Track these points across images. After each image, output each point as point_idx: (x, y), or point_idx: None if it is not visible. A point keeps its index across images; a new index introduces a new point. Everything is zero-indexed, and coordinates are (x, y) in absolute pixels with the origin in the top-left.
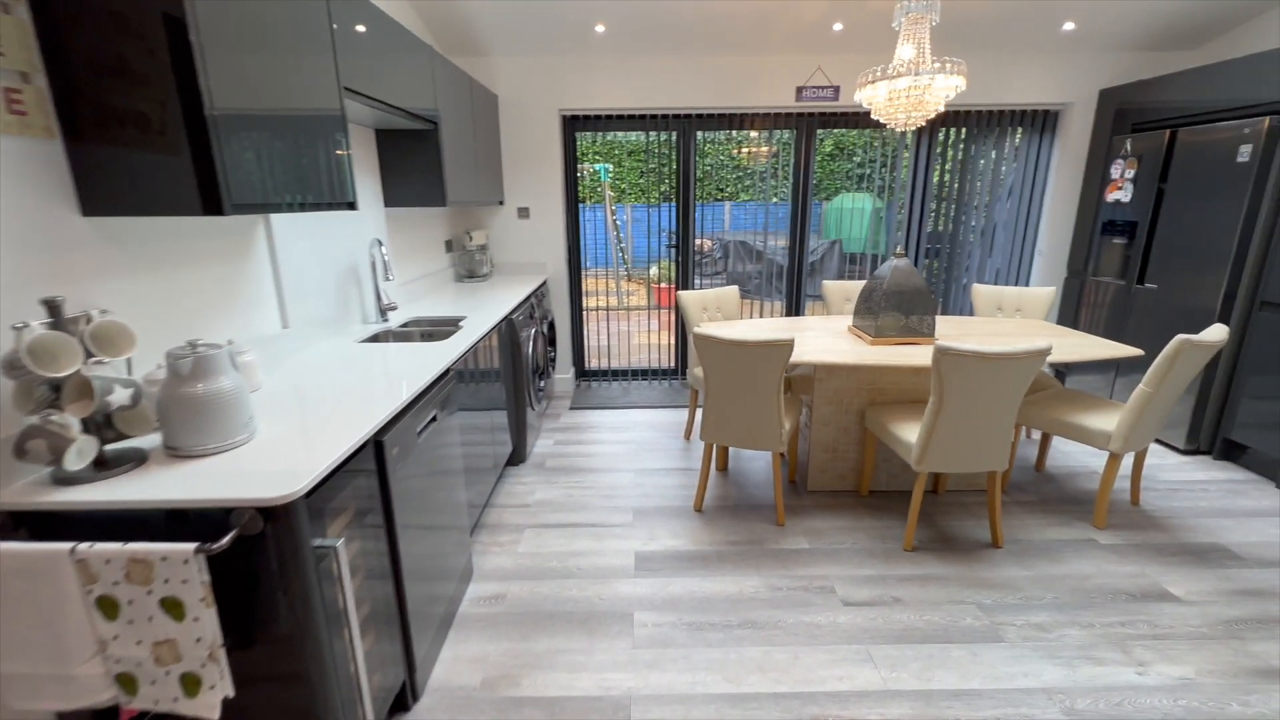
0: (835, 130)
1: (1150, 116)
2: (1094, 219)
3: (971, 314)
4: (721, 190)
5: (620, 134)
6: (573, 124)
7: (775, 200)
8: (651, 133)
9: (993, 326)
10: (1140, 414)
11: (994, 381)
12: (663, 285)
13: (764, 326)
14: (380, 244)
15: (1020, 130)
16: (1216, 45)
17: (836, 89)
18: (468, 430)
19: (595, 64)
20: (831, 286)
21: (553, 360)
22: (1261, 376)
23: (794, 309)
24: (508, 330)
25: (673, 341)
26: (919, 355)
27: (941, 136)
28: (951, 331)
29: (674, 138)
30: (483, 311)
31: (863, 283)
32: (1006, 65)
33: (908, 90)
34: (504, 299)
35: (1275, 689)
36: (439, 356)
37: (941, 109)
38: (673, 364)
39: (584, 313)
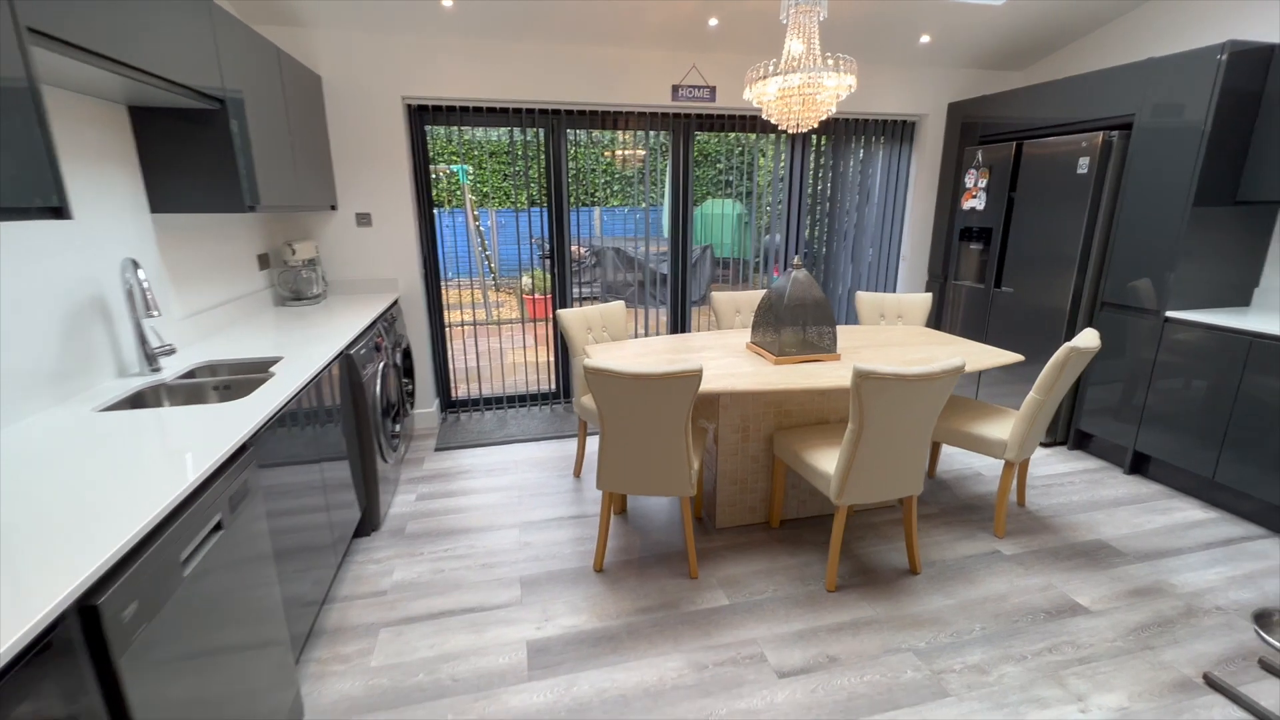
0: (700, 135)
1: (996, 129)
2: (951, 226)
3: (856, 322)
4: (591, 195)
5: (480, 131)
6: (421, 115)
7: (646, 205)
8: (516, 130)
9: (883, 335)
10: (1033, 421)
11: (914, 403)
12: (536, 296)
13: (658, 348)
14: (136, 266)
15: (881, 139)
16: (1039, 67)
17: (713, 89)
18: (293, 495)
19: (445, 46)
20: (721, 299)
21: (410, 394)
22: (1103, 369)
23: (679, 318)
24: (346, 368)
25: (552, 359)
26: (827, 374)
27: (811, 144)
28: (848, 343)
29: (541, 135)
30: (311, 346)
31: (752, 293)
32: (870, 75)
33: (800, 88)
34: (341, 327)
35: (1201, 703)
36: (229, 425)
37: (834, 110)
38: (553, 386)
39: (447, 331)
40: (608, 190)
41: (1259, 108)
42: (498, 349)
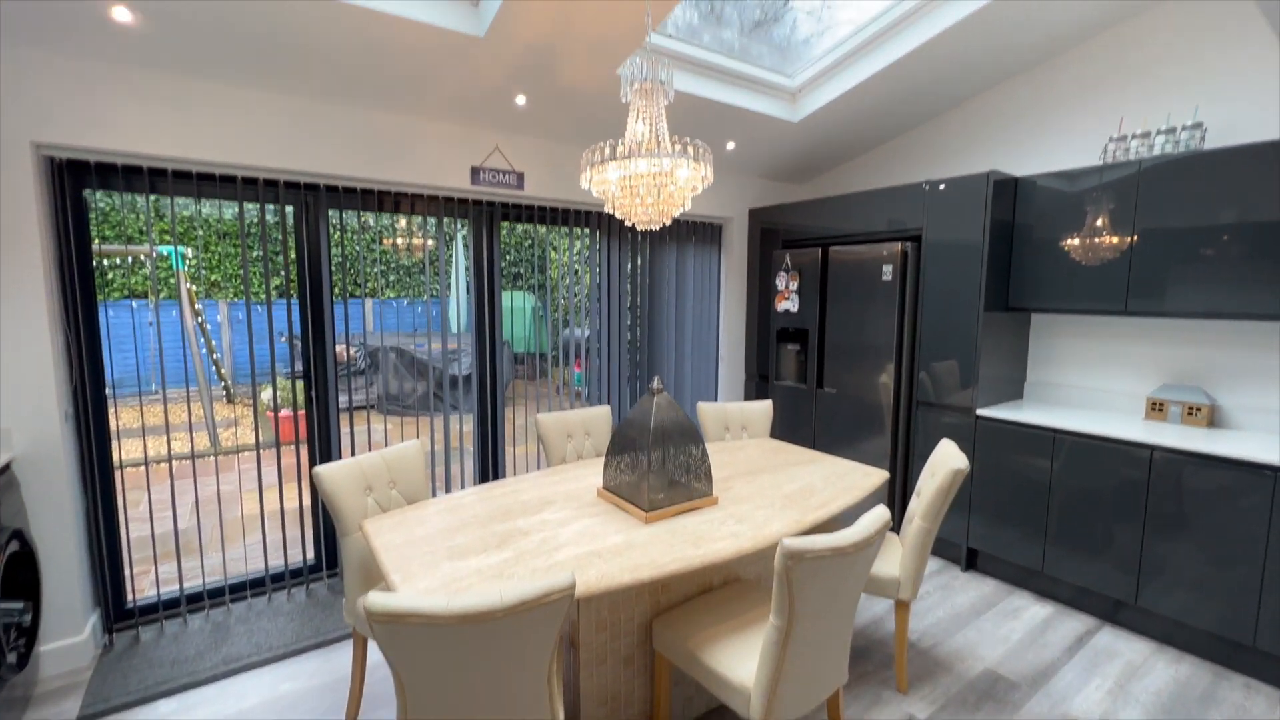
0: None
1: (798, 235)
2: (766, 327)
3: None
4: (358, 285)
5: (207, 205)
6: (77, 176)
7: (428, 297)
8: (256, 205)
9: (742, 457)
10: (922, 553)
11: (848, 576)
12: (284, 411)
13: (476, 514)
14: None
15: (692, 239)
16: (819, 182)
17: (520, 175)
18: None
19: (127, 81)
20: (549, 424)
21: (28, 617)
22: (921, 461)
23: (491, 430)
24: None
25: (308, 503)
26: (717, 534)
27: (628, 239)
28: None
29: (290, 214)
30: None
31: (584, 413)
32: None
33: (651, 176)
34: None
35: None
36: None
37: (688, 206)
38: (311, 552)
39: (118, 489)
40: (383, 280)
41: (1013, 229)
42: (228, 494)
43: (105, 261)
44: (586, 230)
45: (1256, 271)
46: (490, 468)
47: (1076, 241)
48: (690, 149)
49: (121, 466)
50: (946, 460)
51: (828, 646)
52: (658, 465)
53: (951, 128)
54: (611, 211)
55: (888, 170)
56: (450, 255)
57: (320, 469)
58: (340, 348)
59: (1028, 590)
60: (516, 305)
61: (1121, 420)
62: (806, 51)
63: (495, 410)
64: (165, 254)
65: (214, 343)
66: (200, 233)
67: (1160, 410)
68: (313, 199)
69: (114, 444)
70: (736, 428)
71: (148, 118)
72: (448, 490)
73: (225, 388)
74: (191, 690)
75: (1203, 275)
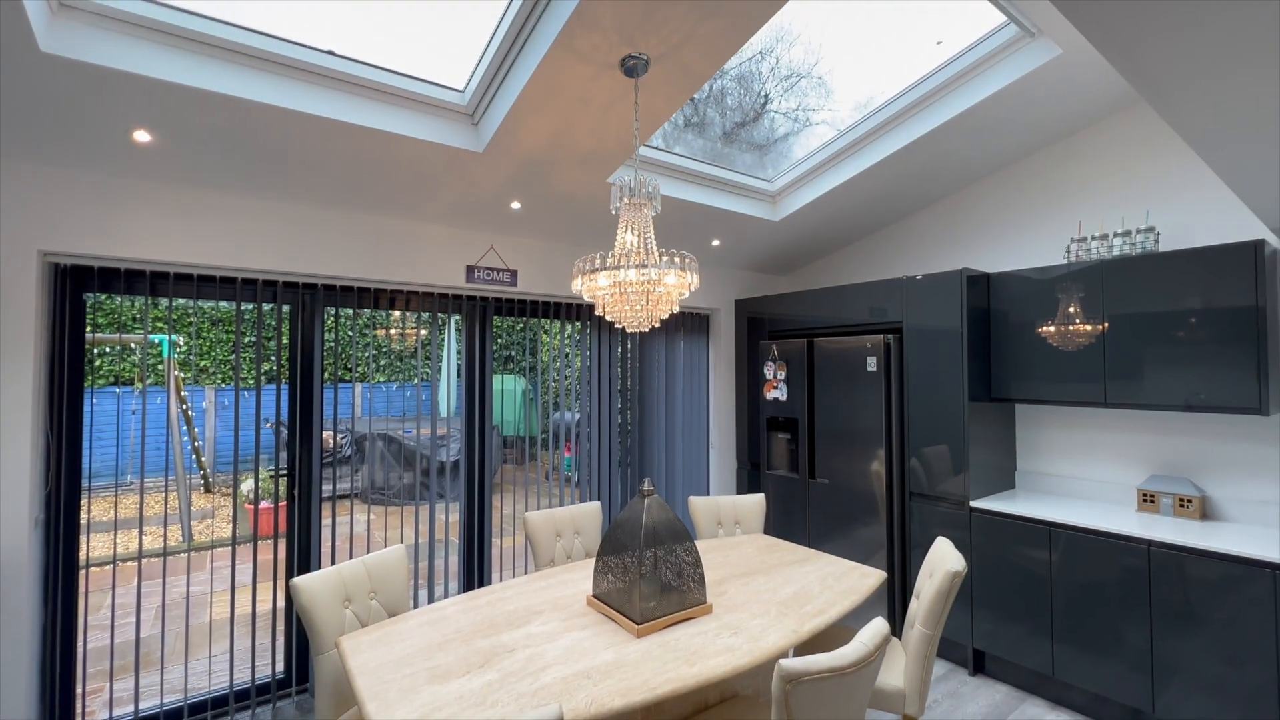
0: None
1: (784, 325)
2: (756, 415)
3: (692, 531)
4: (349, 370)
5: (196, 300)
6: (82, 281)
7: (419, 381)
8: (252, 303)
9: (735, 557)
10: (928, 662)
11: (850, 695)
12: (264, 503)
13: (459, 628)
14: None
15: (681, 330)
16: (801, 274)
17: (514, 273)
18: None
19: (136, 192)
20: (537, 522)
21: None
22: (918, 553)
23: (478, 520)
24: None
25: (282, 605)
26: (711, 649)
27: (618, 332)
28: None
29: (285, 310)
30: None
31: (573, 510)
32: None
33: (640, 284)
34: None
35: None
36: None
37: (676, 309)
38: (281, 664)
39: (81, 589)
40: (373, 365)
41: (989, 320)
42: (197, 595)
43: (95, 350)
44: (577, 323)
45: (1228, 359)
46: (476, 563)
47: (1052, 329)
48: (678, 259)
49: (87, 566)
50: (943, 561)
51: None
52: (650, 571)
53: (926, 225)
54: (602, 314)
55: (868, 262)
56: (443, 340)
57: (299, 580)
58: (327, 434)
59: (1040, 697)
60: (507, 388)
61: (1115, 512)
62: (786, 148)
63: (483, 501)
64: (156, 341)
65: (196, 430)
66: (193, 319)
67: (1152, 502)
68: (310, 297)
69: (83, 541)
70: (729, 523)
71: (154, 226)
72: (430, 590)
73: (204, 476)
74: None
75: (1177, 362)
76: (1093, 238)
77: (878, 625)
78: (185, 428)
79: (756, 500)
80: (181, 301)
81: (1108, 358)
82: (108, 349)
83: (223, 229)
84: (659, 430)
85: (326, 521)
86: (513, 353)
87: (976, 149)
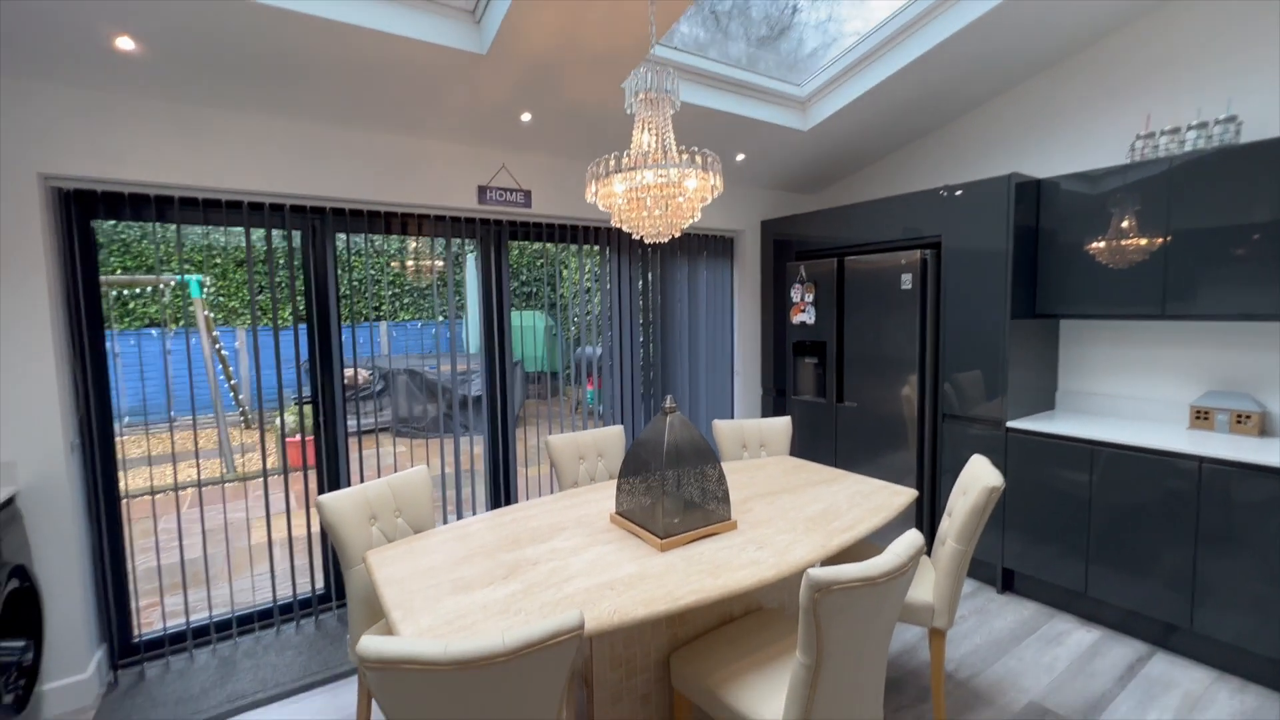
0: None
1: (812, 246)
2: (783, 340)
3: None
4: (376, 309)
5: (221, 233)
6: (87, 207)
7: (441, 319)
8: (267, 231)
9: (762, 477)
10: (958, 578)
11: (880, 608)
12: (295, 437)
13: (484, 543)
14: None
15: (704, 254)
16: (830, 193)
17: (527, 194)
18: None
19: (131, 109)
20: (560, 446)
21: (29, 655)
22: (949, 478)
23: (502, 451)
24: None
25: (317, 531)
26: (736, 562)
27: (638, 257)
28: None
29: (297, 239)
30: None
31: (596, 434)
32: None
33: (658, 188)
34: None
35: None
36: None
37: (698, 216)
38: (320, 581)
39: (125, 519)
40: (395, 304)
41: (1038, 232)
42: (238, 522)
43: (126, 291)
44: (596, 247)
45: None
46: (502, 491)
47: (1104, 245)
48: (698, 158)
49: (128, 496)
50: (979, 477)
51: (860, 684)
52: (672, 488)
53: (967, 132)
54: (619, 225)
55: (903, 178)
56: (461, 276)
57: (323, 498)
58: (351, 371)
59: (1070, 613)
60: (529, 324)
61: (1164, 430)
62: (814, 64)
63: (506, 431)
64: (184, 282)
65: (231, 369)
66: (219, 260)
67: (1206, 419)
68: (319, 223)
69: (121, 474)
70: (755, 446)
71: (153, 146)
72: (459, 516)
73: (243, 414)
74: None
75: (1245, 276)
76: (1161, 132)
77: (911, 537)
78: (220, 367)
79: (783, 423)
80: (205, 241)
81: (1170, 273)
82: (138, 291)
83: (222, 149)
84: (681, 359)
85: (356, 455)
86: (534, 289)
87: (1028, 41)
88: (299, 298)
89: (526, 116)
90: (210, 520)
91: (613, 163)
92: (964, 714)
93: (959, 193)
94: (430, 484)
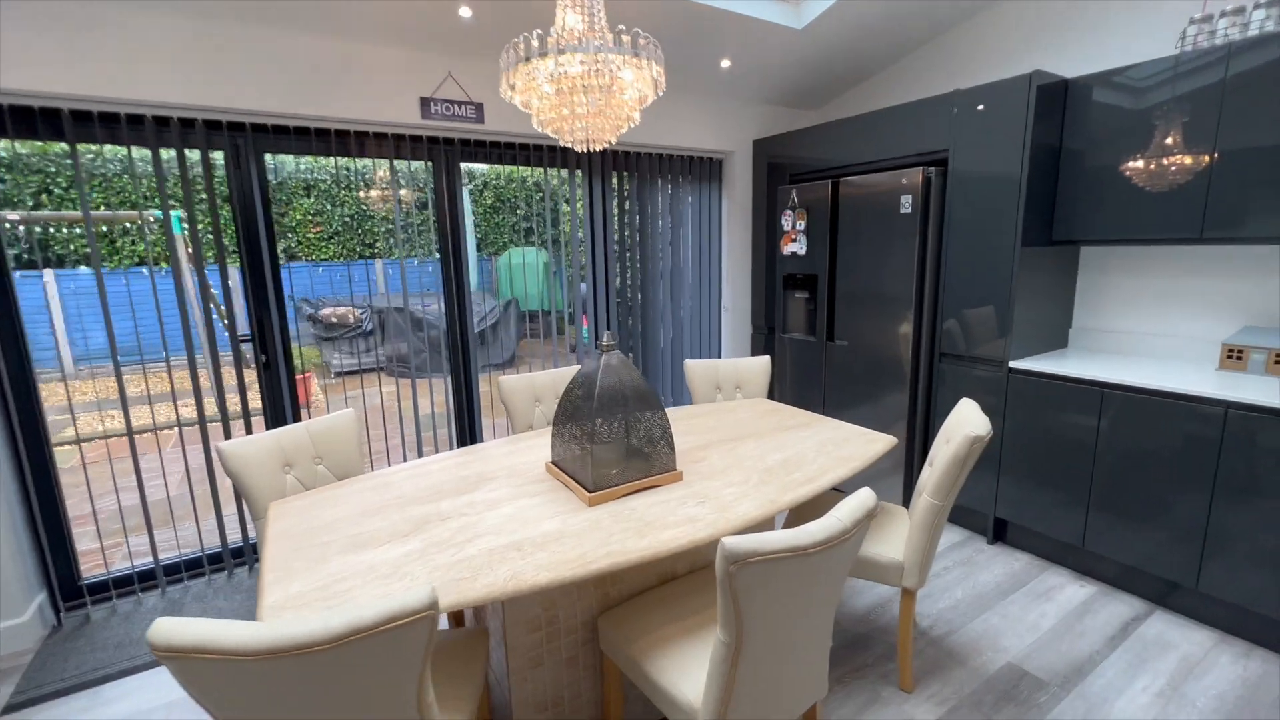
0: (494, 180)
1: (807, 167)
2: (773, 273)
3: (687, 397)
4: (370, 246)
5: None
6: None
7: (419, 257)
8: (170, 150)
9: (728, 421)
10: (932, 532)
11: (815, 580)
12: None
13: (401, 493)
14: None
15: (689, 178)
16: (830, 109)
17: (479, 106)
18: None
19: (4, 5)
20: (513, 387)
21: None
22: (945, 412)
23: (466, 397)
24: None
25: None
26: (671, 519)
27: (612, 183)
28: (685, 440)
29: (222, 160)
30: None
31: (555, 374)
32: (672, 104)
33: (584, 79)
34: None
35: None
36: None
37: (637, 119)
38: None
39: (50, 458)
40: (389, 241)
41: (1060, 146)
42: (195, 469)
43: (104, 228)
44: (564, 171)
45: None
46: (466, 434)
47: (1141, 163)
48: (626, 37)
49: (80, 442)
50: (963, 424)
51: (796, 660)
52: (611, 436)
53: (984, 33)
54: (541, 126)
55: (911, 91)
56: (428, 204)
57: (225, 445)
58: (346, 309)
59: (1065, 567)
60: (528, 260)
61: (1188, 371)
62: None
63: (468, 373)
64: (154, 218)
65: (219, 305)
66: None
67: (1239, 358)
68: (243, 141)
69: (70, 418)
70: (729, 387)
71: (26, 45)
72: (418, 456)
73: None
74: (131, 675)
75: None
76: (1221, 14)
77: (860, 498)
78: (214, 306)
79: (759, 363)
80: (108, 156)
81: (1214, 187)
82: (126, 225)
83: (115, 51)
84: (665, 293)
85: (353, 393)
86: (533, 224)
87: None
88: (217, 224)
89: (465, 12)
90: (171, 466)
91: (535, 43)
92: (934, 674)
93: (973, 98)
94: (356, 428)
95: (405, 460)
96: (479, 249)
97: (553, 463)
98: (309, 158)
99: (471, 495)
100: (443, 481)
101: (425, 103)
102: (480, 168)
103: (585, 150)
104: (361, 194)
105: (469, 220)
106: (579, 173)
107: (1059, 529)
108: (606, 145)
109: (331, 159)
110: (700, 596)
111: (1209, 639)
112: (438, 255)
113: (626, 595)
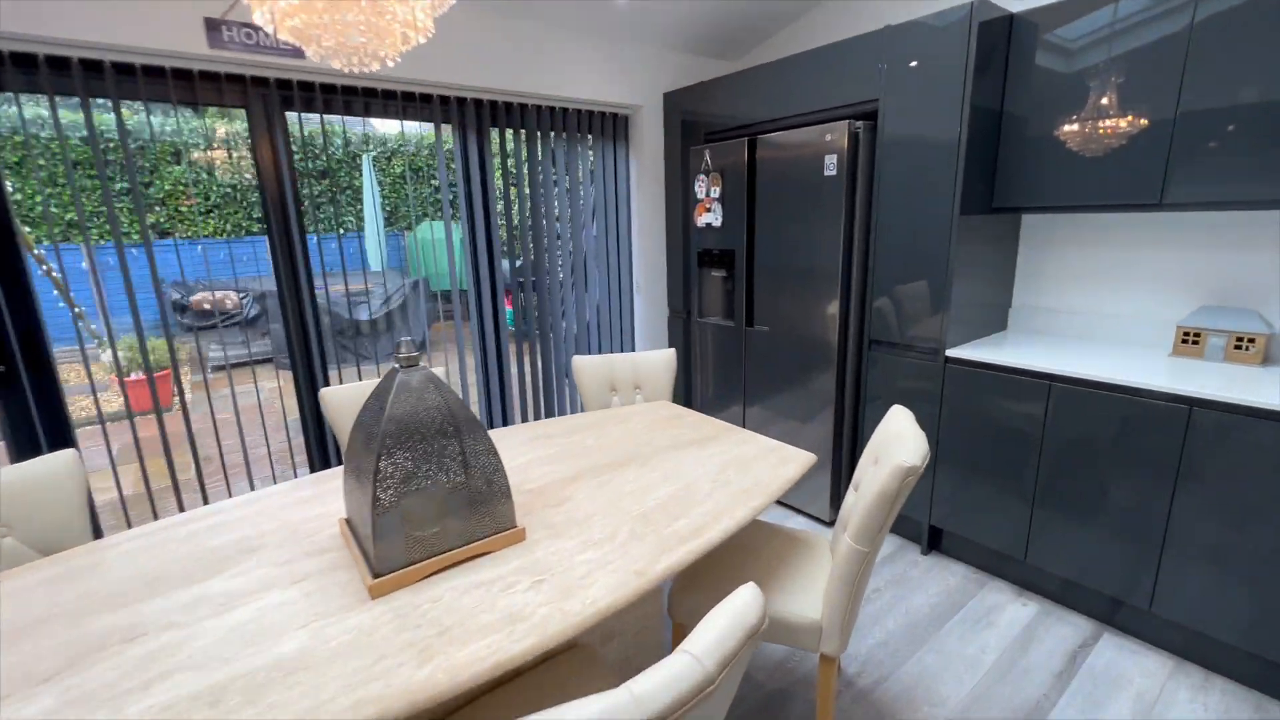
0: (396, 145)
1: (723, 125)
2: (687, 248)
3: (579, 403)
4: (262, 221)
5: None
6: None
7: (229, 230)
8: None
9: (617, 432)
10: (856, 586)
11: None
12: (133, 377)
13: (116, 579)
14: None
15: (589, 136)
16: (758, 53)
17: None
18: None
19: None
20: (337, 400)
21: None
22: (876, 407)
23: (314, 403)
24: None
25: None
26: (476, 619)
27: (490, 141)
28: (543, 472)
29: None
30: None
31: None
32: (561, 47)
33: None
34: None
35: None
36: None
37: (429, 30)
38: None
39: None
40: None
41: (1002, 102)
42: None
43: None
44: (430, 126)
45: None
46: (318, 446)
47: (1093, 119)
48: None
49: None
50: (895, 445)
51: None
52: (404, 493)
53: None
54: (290, 37)
55: (845, 34)
56: (358, 182)
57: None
58: (224, 294)
59: (1005, 580)
60: (438, 236)
61: (1140, 357)
62: None
63: (311, 374)
64: None
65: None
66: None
67: (1195, 343)
68: None
69: None
70: (627, 388)
71: None
72: (293, 472)
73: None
74: None
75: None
76: None
77: (731, 621)
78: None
79: (662, 357)
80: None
81: (1176, 142)
82: None
83: None
84: (562, 275)
85: (241, 388)
86: (451, 195)
87: None
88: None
89: None
90: None
91: None
92: None
93: (904, 37)
94: (77, 477)
95: (252, 486)
96: (387, 223)
97: (346, 520)
98: (36, 98)
99: (205, 584)
100: (188, 553)
101: (213, 25)
102: (390, 130)
103: (355, 69)
104: (197, 155)
105: (373, 191)
106: (446, 127)
107: (999, 539)
108: (390, 60)
109: (79, 105)
110: (560, 692)
111: (1162, 667)
112: (258, 230)
113: (463, 698)
